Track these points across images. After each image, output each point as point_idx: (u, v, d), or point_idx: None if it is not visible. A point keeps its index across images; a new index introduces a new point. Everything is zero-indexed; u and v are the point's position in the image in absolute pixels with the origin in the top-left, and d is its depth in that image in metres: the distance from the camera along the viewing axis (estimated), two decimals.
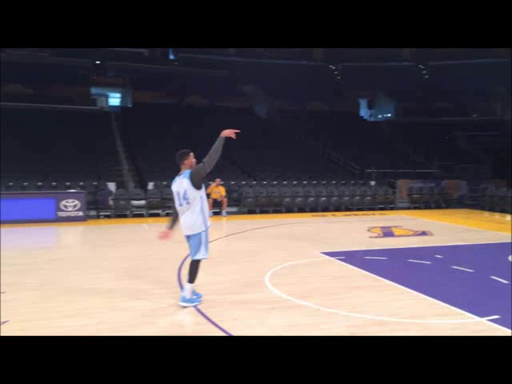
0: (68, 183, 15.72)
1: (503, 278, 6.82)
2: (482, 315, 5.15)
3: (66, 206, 13.80)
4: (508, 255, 8.58)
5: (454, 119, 28.30)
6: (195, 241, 5.46)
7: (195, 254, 5.48)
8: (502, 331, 4.68)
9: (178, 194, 5.43)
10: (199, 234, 5.44)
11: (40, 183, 15.64)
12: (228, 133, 5.30)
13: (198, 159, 5.47)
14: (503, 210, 16.92)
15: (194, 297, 5.61)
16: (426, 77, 34.51)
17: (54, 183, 15.75)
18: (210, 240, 5.65)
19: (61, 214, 13.76)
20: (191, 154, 5.52)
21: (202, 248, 5.46)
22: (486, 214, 17.01)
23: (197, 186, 5.34)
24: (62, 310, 5.40)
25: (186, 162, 5.45)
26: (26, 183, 15.39)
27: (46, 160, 17.57)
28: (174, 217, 5.65)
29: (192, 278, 5.48)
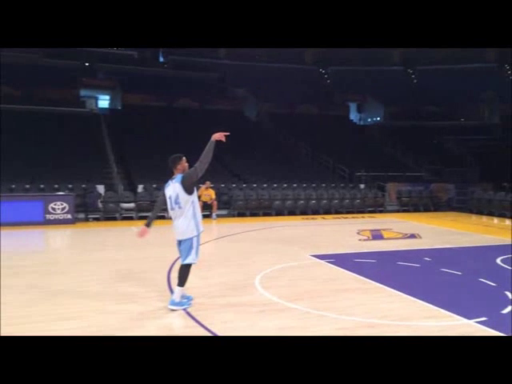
0: (56, 186, 15.59)
1: (491, 281, 6.89)
2: (470, 317, 5.19)
3: (54, 209, 13.69)
4: (495, 258, 8.66)
5: (442, 123, 28.58)
6: (186, 245, 5.47)
7: (185, 258, 5.48)
8: (489, 333, 4.73)
9: (170, 198, 5.45)
10: (191, 238, 5.45)
11: (28, 186, 15.49)
12: (218, 136, 5.32)
13: (188, 162, 5.51)
14: (490, 213, 17.10)
15: (184, 300, 5.60)
16: (415, 81, 34.83)
17: (42, 186, 15.61)
18: (200, 243, 5.65)
19: (49, 216, 13.63)
20: (184, 158, 5.56)
21: (193, 252, 5.46)
22: (474, 217, 17.17)
23: (188, 191, 5.36)
24: (50, 314, 5.34)
25: (178, 166, 5.48)
26: (13, 185, 15.23)
27: (34, 162, 17.41)
28: (154, 216, 5.69)
29: (182, 281, 5.47)
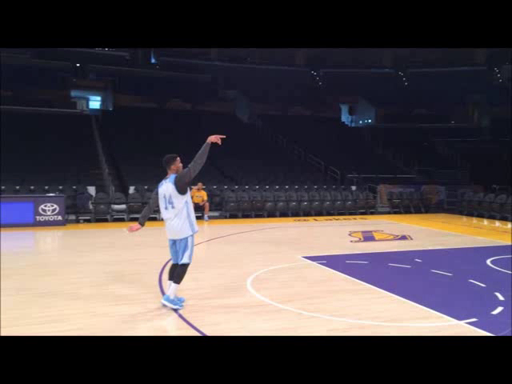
0: (47, 187, 15.47)
1: (481, 282, 6.95)
2: (460, 318, 5.23)
3: (44, 210, 13.58)
4: (485, 259, 8.73)
5: (432, 126, 28.80)
6: (181, 245, 5.49)
7: (182, 258, 5.49)
8: (479, 333, 4.77)
9: (164, 197, 5.47)
10: (186, 238, 5.46)
11: (18, 187, 15.36)
12: (214, 139, 5.34)
13: (182, 163, 5.53)
14: (480, 215, 17.25)
15: (177, 301, 5.59)
16: (406, 83, 35.08)
17: (32, 187, 15.49)
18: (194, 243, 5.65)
19: (39, 218, 13.53)
20: (178, 158, 5.57)
21: (188, 253, 5.47)
22: (464, 218, 17.30)
23: (181, 191, 5.38)
24: (41, 316, 5.30)
25: (172, 166, 5.50)
26: (3, 187, 15.09)
27: (24, 163, 17.28)
28: (148, 214, 5.77)
29: (179, 279, 5.50)
